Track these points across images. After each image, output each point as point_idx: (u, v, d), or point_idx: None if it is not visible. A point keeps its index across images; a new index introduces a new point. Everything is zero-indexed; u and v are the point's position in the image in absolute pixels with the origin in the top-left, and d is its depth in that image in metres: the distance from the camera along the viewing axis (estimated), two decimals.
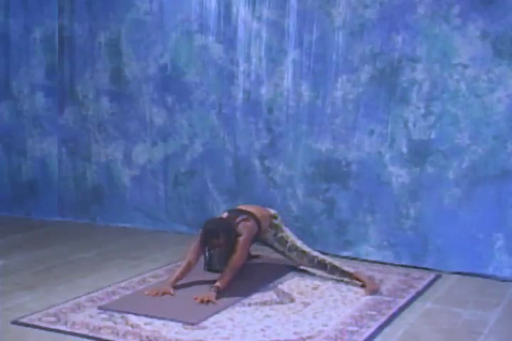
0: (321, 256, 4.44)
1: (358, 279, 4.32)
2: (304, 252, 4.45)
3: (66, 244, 5.30)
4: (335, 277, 4.40)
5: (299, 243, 4.49)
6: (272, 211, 4.59)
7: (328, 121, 5.03)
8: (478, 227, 4.61)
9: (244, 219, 4.31)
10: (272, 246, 4.57)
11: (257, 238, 4.45)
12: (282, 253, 4.53)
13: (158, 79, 5.63)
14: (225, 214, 4.42)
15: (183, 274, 4.15)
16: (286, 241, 4.47)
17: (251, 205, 4.59)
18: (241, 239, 4.19)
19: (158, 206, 5.77)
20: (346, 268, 4.37)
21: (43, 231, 5.74)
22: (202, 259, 4.49)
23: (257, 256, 4.89)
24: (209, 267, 4.48)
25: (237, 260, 4.14)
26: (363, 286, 4.25)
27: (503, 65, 4.47)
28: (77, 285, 4.27)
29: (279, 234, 4.50)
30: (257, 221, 4.37)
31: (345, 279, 4.36)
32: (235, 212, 4.42)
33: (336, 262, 4.42)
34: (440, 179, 4.70)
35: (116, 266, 4.75)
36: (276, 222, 4.52)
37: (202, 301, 3.87)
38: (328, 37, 4.96)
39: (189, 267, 4.17)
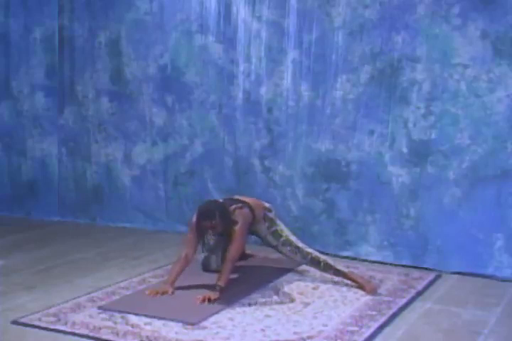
0: (315, 253, 4.34)
1: (352, 280, 4.28)
2: (297, 248, 4.34)
3: (66, 244, 5.31)
4: (329, 275, 4.35)
5: (293, 238, 4.39)
6: (267, 204, 4.52)
7: (328, 121, 5.03)
8: (478, 227, 4.61)
9: (239, 207, 4.24)
10: (264, 239, 4.44)
11: (251, 229, 4.33)
12: (275, 247, 4.41)
13: (158, 79, 5.63)
14: (219, 199, 4.40)
15: (181, 269, 4.10)
16: (281, 236, 4.37)
17: (246, 197, 4.51)
18: (237, 227, 4.12)
19: (158, 206, 5.78)
20: (340, 268, 4.30)
21: (43, 231, 5.74)
22: (198, 260, 4.50)
23: (251, 255, 4.88)
24: (205, 267, 4.47)
25: (234, 250, 4.08)
26: (360, 287, 4.22)
27: (503, 65, 4.47)
28: (77, 285, 4.27)
29: (273, 228, 4.39)
30: (251, 209, 4.30)
31: (345, 280, 4.32)
32: (230, 200, 4.35)
33: (330, 260, 4.34)
34: (440, 179, 4.70)
35: (116, 266, 4.75)
36: (270, 215, 4.43)
37: (205, 300, 3.86)
38: (328, 37, 4.96)
39: (187, 261, 4.11)
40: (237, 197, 4.49)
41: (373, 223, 4.95)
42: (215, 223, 4.06)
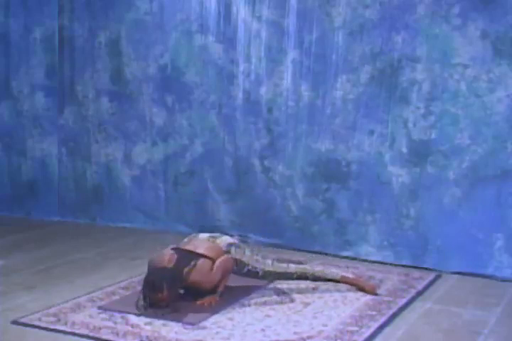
0: (300, 270, 4.25)
1: (348, 284, 4.25)
2: (278, 273, 4.20)
3: (66, 244, 5.30)
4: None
5: (268, 264, 4.16)
6: (224, 244, 4.02)
7: (328, 121, 5.03)
8: (478, 227, 4.61)
9: (193, 266, 3.81)
10: (242, 275, 4.18)
11: None
12: (258, 279, 4.19)
13: (158, 79, 5.63)
14: (171, 255, 3.83)
15: None
16: (257, 273, 4.14)
17: (200, 241, 4.02)
18: (213, 284, 3.87)
19: (158, 206, 5.77)
20: (330, 276, 4.26)
21: (43, 231, 5.74)
22: None
23: None
24: None
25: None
26: (359, 289, 4.21)
27: (503, 65, 4.47)
28: (77, 285, 4.26)
29: (245, 268, 4.10)
30: (212, 261, 3.89)
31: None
32: (184, 256, 3.84)
33: (319, 271, 4.28)
34: (440, 179, 4.70)
35: (117, 265, 4.75)
36: (232, 257, 4.02)
37: (205, 303, 3.85)
38: (328, 37, 4.96)
39: None
40: (189, 246, 3.95)
41: (373, 223, 4.95)
42: (164, 295, 3.68)
